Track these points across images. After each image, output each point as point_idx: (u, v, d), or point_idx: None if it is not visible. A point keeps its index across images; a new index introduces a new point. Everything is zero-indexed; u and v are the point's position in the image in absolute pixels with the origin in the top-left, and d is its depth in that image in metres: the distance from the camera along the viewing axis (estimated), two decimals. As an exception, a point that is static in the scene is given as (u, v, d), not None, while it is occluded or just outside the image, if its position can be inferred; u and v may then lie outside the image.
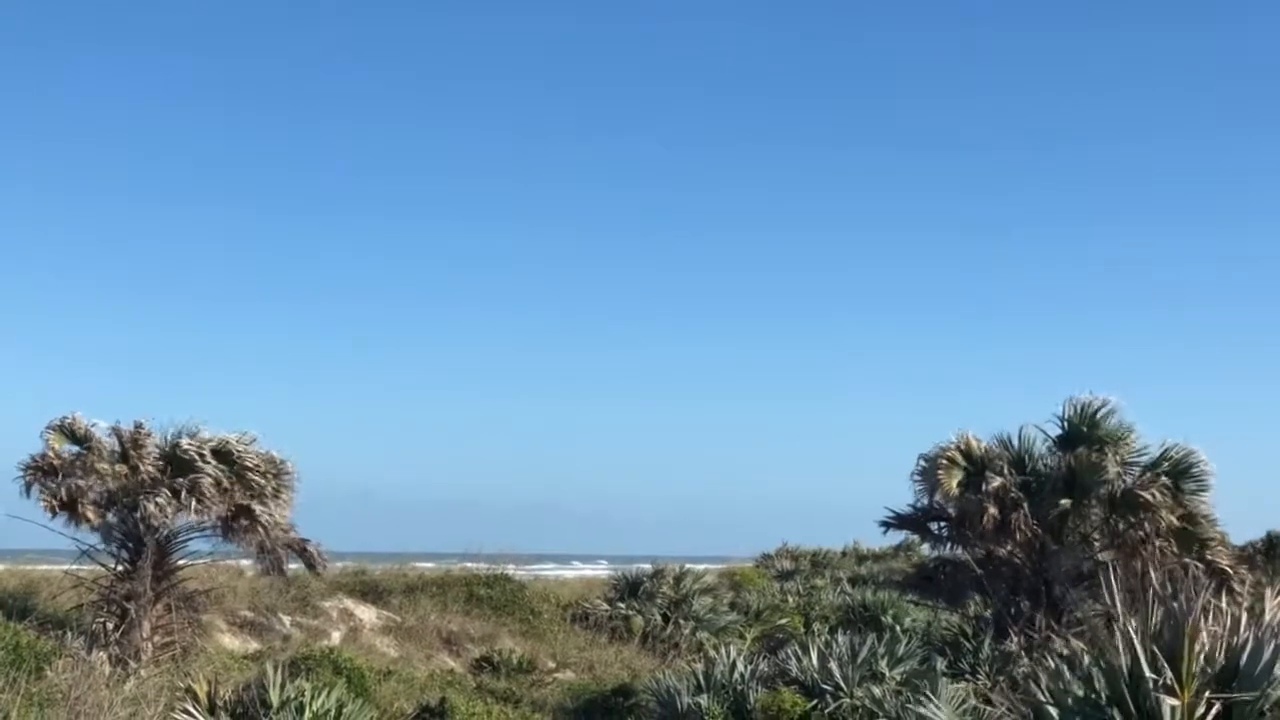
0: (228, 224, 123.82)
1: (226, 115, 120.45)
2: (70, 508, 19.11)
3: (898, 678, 14.97)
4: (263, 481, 19.73)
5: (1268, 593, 7.19)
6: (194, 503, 18.98)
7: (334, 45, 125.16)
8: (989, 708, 10.05)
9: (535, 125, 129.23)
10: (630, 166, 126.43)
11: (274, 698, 12.29)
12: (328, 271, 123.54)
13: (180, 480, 19.14)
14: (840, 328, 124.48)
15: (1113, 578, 7.58)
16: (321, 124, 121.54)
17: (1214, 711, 6.72)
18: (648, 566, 27.82)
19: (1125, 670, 6.92)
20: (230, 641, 21.66)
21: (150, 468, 19.37)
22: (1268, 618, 6.95)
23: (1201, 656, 6.88)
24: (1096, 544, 19.79)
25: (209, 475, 19.18)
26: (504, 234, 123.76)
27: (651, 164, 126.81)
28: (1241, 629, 6.97)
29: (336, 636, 22.87)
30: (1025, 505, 19.19)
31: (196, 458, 19.42)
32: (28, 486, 19.33)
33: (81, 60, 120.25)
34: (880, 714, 14.22)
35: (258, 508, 19.52)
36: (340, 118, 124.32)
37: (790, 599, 28.35)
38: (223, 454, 19.69)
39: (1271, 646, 6.81)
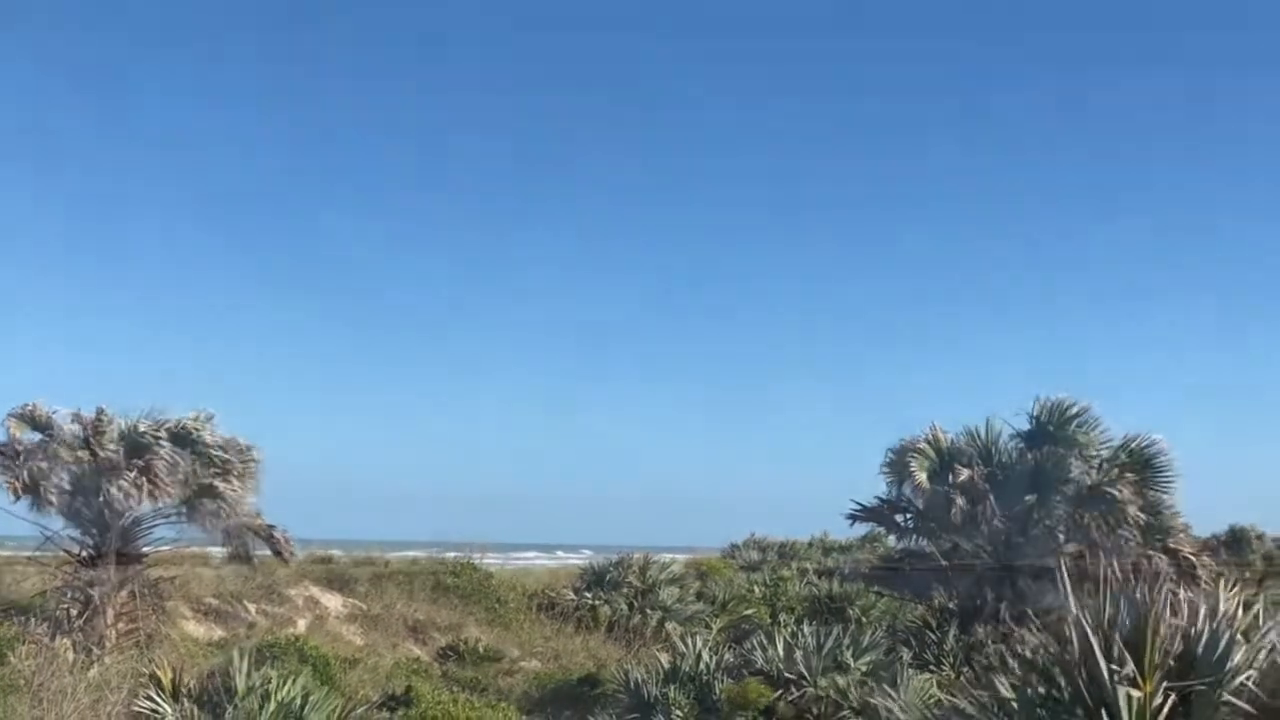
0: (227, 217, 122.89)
1: (227, 110, 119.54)
2: (32, 492, 19.02)
3: (862, 668, 15.02)
4: (226, 456, 19.70)
5: (1222, 583, 7.25)
6: (147, 484, 18.92)
7: (332, 41, 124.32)
8: (952, 699, 10.11)
9: (523, 117, 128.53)
10: (627, 161, 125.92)
11: (239, 685, 12.26)
12: (321, 263, 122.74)
13: (135, 461, 19.08)
14: (817, 320, 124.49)
15: (1067, 571, 7.61)
16: (320, 119, 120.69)
17: (1170, 702, 6.77)
18: (615, 556, 27.80)
19: (1083, 663, 6.96)
20: (195, 629, 21.57)
21: (110, 453, 19.29)
22: (1223, 607, 7.01)
23: (1161, 648, 6.93)
24: (1062, 536, 19.95)
25: (163, 459, 19.13)
26: (501, 228, 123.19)
27: (647, 159, 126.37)
28: (1200, 619, 7.02)
29: (302, 624, 22.81)
30: (991, 498, 19.31)
31: (153, 441, 19.37)
32: (-11, 473, 19.26)
33: (79, 56, 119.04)
34: (845, 704, 14.31)
35: (221, 485, 19.47)
36: (338, 111, 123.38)
37: (757, 589, 28.37)
38: (180, 436, 19.64)
39: (1227, 636, 6.87)
